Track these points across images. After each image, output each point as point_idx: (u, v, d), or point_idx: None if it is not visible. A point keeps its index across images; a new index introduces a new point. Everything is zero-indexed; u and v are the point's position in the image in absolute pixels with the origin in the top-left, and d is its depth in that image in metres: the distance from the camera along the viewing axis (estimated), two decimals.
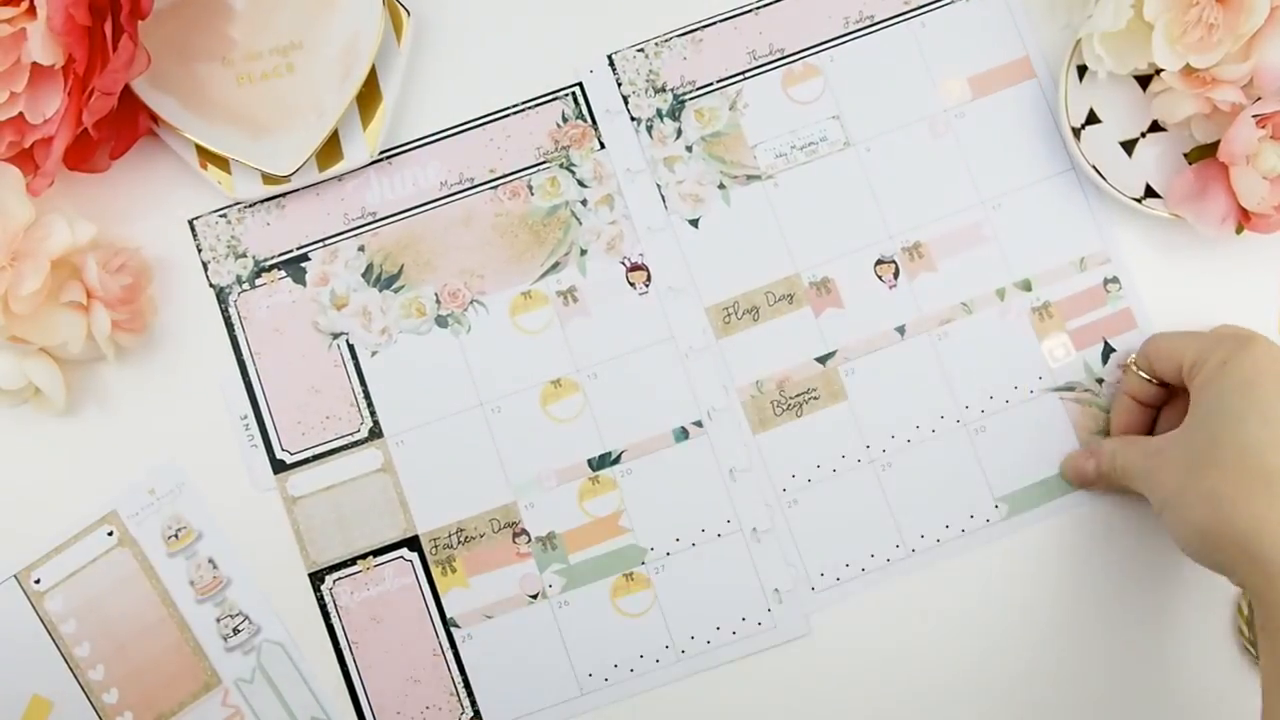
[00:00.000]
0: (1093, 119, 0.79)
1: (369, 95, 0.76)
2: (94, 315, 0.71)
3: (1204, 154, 0.77)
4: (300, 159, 0.74)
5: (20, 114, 0.69)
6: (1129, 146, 0.79)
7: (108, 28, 0.67)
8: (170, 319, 0.77)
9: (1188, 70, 0.72)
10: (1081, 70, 0.78)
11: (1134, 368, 0.75)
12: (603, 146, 0.78)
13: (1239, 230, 0.74)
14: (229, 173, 0.75)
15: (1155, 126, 0.79)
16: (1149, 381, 0.74)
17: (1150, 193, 0.78)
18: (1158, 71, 0.74)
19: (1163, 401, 0.75)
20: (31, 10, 0.67)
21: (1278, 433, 0.64)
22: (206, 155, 0.75)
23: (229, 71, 0.75)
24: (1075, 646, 0.77)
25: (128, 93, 0.73)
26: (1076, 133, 0.78)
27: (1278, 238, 0.77)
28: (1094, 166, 0.76)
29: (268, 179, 0.75)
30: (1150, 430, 0.76)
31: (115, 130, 0.73)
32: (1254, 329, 0.71)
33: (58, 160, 0.69)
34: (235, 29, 0.76)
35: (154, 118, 0.74)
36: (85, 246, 0.71)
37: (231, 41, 0.76)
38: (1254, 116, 0.71)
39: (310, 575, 0.75)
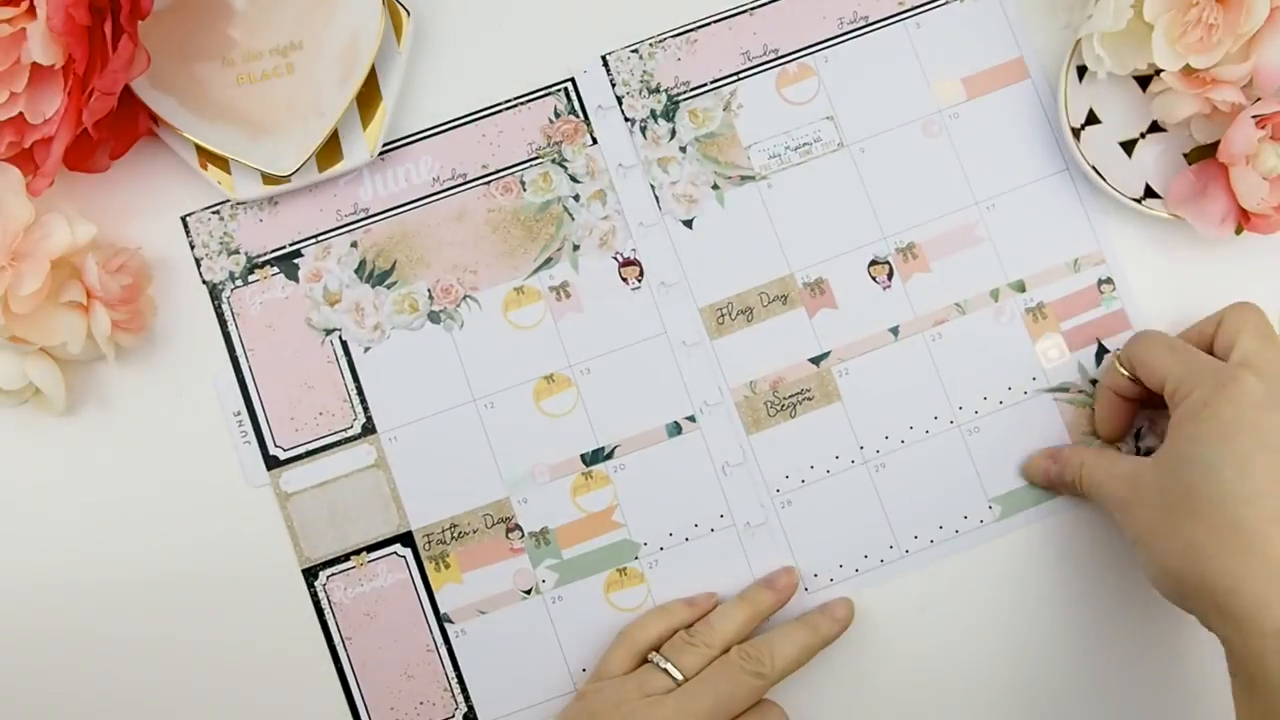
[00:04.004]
0: (1092, 119, 0.78)
1: (369, 95, 0.76)
2: (94, 315, 0.72)
3: (1204, 154, 0.77)
4: (300, 159, 0.75)
5: (20, 114, 0.69)
6: (1129, 147, 0.78)
7: (108, 28, 0.68)
8: (165, 317, 0.77)
9: (1188, 70, 0.72)
10: (1081, 71, 0.78)
11: (1118, 365, 0.74)
12: (595, 142, 0.79)
13: (1239, 230, 0.74)
14: (229, 173, 0.76)
15: (1155, 127, 0.78)
16: (1132, 381, 0.73)
17: (1150, 193, 0.78)
18: (1158, 71, 0.73)
19: (1145, 397, 0.74)
20: (31, 10, 0.67)
21: (1255, 485, 0.62)
22: (206, 155, 0.76)
23: (229, 71, 0.76)
24: (1071, 647, 0.76)
25: (128, 93, 0.73)
26: (1076, 133, 0.77)
27: (1278, 238, 0.76)
28: (1093, 167, 0.76)
29: (268, 179, 0.76)
30: (1131, 419, 0.76)
31: (115, 130, 0.73)
32: (1242, 350, 0.68)
33: (58, 160, 0.70)
34: (235, 29, 0.76)
35: (154, 118, 0.75)
36: (85, 246, 0.72)
37: (231, 41, 0.76)
38: (1254, 116, 0.71)
39: (304, 571, 0.76)
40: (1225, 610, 0.61)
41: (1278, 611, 0.60)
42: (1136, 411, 0.76)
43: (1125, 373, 0.73)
